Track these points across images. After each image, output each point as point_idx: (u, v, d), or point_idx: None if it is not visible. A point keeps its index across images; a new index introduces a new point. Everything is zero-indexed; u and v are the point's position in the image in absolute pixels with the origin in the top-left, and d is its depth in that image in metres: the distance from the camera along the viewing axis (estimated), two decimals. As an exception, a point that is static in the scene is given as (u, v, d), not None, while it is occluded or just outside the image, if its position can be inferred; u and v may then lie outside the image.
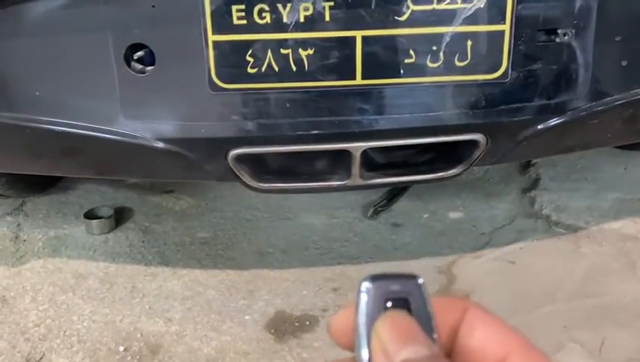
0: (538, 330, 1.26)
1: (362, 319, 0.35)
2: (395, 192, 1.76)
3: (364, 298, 0.36)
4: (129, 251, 1.57)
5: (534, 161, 1.90)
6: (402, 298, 0.36)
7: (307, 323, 1.31)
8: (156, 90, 0.90)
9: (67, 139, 0.93)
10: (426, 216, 1.68)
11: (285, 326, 1.30)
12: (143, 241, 1.61)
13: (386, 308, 0.35)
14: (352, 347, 0.36)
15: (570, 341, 1.22)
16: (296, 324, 1.31)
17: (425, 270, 1.46)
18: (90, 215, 1.68)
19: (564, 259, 1.48)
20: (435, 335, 0.35)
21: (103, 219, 1.65)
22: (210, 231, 1.65)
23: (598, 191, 1.72)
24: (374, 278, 0.37)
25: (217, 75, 0.88)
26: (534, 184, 1.79)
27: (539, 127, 0.93)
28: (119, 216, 1.71)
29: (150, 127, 0.92)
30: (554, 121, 0.93)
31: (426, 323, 0.35)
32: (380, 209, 1.68)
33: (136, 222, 1.70)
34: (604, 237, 1.55)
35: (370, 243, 1.57)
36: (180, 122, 0.91)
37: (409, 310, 0.35)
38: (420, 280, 0.36)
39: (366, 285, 0.36)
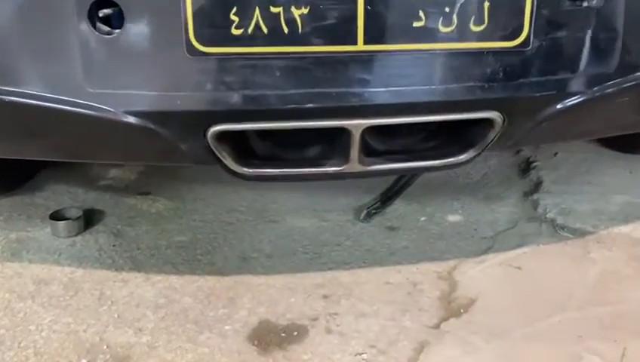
0: (551, 340, 1.14)
1: None
2: (390, 194, 1.64)
3: None
4: (98, 255, 1.43)
5: (534, 163, 1.80)
6: None
7: (295, 333, 1.18)
8: (125, 54, 0.78)
9: (20, 112, 0.80)
10: (422, 219, 1.56)
11: (270, 337, 1.17)
12: (113, 245, 1.47)
13: None
14: None
15: (587, 352, 1.10)
16: (283, 335, 1.17)
17: (424, 275, 1.33)
18: (56, 216, 1.53)
19: (573, 264, 1.37)
20: None
21: (70, 221, 1.51)
22: (188, 234, 1.51)
23: (604, 195, 1.62)
24: None
25: (196, 37, 0.76)
26: (536, 187, 1.69)
27: (562, 104, 0.82)
28: (89, 218, 1.56)
29: (117, 99, 0.79)
30: (579, 98, 0.82)
31: None
32: (373, 211, 1.56)
33: (107, 225, 1.55)
34: (614, 241, 1.44)
35: (363, 247, 1.45)
36: (152, 93, 0.79)
37: None
38: None
39: None
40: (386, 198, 1.62)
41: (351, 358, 1.11)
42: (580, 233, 1.47)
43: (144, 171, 1.85)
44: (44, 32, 0.77)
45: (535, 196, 1.64)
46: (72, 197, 1.69)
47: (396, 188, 1.68)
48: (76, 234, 1.51)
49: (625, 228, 1.48)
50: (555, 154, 1.86)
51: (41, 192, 1.71)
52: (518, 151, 1.90)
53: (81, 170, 1.84)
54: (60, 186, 1.74)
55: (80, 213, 1.54)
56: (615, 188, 1.65)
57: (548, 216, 1.54)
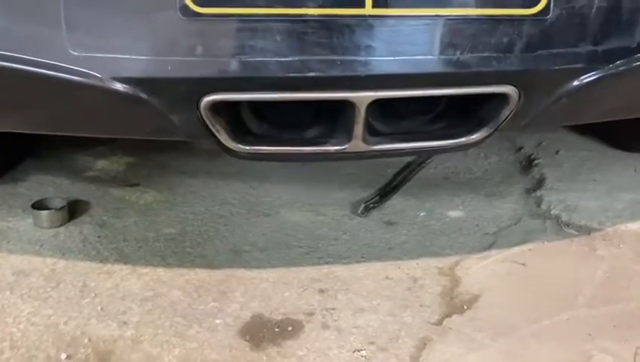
0: (560, 339, 1.08)
1: None
2: (388, 189, 1.58)
3: None
4: (82, 246, 1.36)
5: (536, 160, 1.75)
6: None
7: (289, 328, 1.11)
8: (112, 13, 0.71)
9: (-4, 77, 0.73)
10: (422, 214, 1.50)
11: (263, 332, 1.10)
12: (99, 236, 1.40)
13: None
14: None
15: (598, 351, 1.05)
16: (277, 330, 1.11)
17: (425, 271, 1.27)
18: (39, 206, 1.46)
19: (579, 261, 1.31)
20: None
21: (53, 211, 1.43)
22: (177, 226, 1.44)
23: (610, 192, 1.57)
24: None
25: (191, -3, 0.70)
26: (539, 184, 1.63)
27: (583, 79, 0.77)
28: (73, 209, 1.49)
29: (103, 63, 0.72)
30: (601, 73, 0.77)
31: None
32: (371, 206, 1.50)
33: (92, 216, 1.48)
34: (621, 239, 1.39)
35: (361, 241, 1.38)
36: (141, 57, 0.72)
37: None
38: None
39: None
40: (385, 193, 1.57)
41: (349, 355, 1.04)
42: (585, 230, 1.42)
43: (133, 163, 1.78)
44: (24, -12, 0.71)
45: (538, 193, 1.58)
46: (56, 187, 1.62)
47: (395, 182, 1.62)
48: (60, 225, 1.43)
49: (632, 226, 1.43)
50: (558, 151, 1.81)
51: (24, 182, 1.64)
52: (519, 149, 1.85)
53: (66, 160, 1.77)
54: (45, 176, 1.66)
55: (64, 203, 1.46)
56: (621, 186, 1.60)
57: (552, 212, 1.49)
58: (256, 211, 1.52)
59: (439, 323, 1.12)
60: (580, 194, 1.56)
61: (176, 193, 1.60)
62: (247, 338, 1.09)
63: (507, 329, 1.10)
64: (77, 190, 1.61)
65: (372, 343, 1.07)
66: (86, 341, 1.07)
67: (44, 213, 1.43)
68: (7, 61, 0.72)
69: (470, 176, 1.70)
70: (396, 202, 1.55)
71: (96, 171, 1.73)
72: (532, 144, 1.85)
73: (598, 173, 1.68)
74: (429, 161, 1.74)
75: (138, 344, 1.06)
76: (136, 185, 1.64)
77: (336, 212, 1.51)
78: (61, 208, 1.45)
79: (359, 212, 1.48)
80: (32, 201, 1.49)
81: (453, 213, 1.51)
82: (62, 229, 1.42)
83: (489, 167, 1.76)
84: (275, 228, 1.44)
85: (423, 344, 1.07)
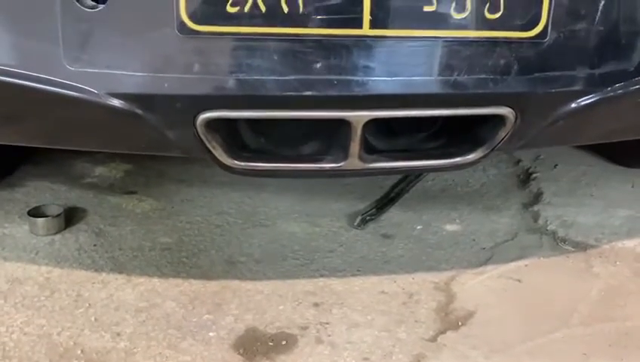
0: (555, 358, 1.08)
1: None
2: (385, 201, 1.58)
3: None
4: (77, 255, 1.35)
5: (534, 175, 1.75)
6: None
7: (283, 342, 1.11)
8: (110, 30, 0.71)
9: (-8, 90, 0.73)
10: (419, 227, 1.50)
11: (257, 346, 1.10)
12: (94, 245, 1.39)
13: None
14: None
15: (593, 371, 1.04)
16: (270, 344, 1.10)
17: (420, 286, 1.27)
18: (35, 213, 1.45)
19: (575, 278, 1.31)
20: None
21: (50, 218, 1.43)
22: (173, 236, 1.44)
23: (607, 208, 1.57)
24: None
25: (188, 14, 0.70)
26: (536, 199, 1.63)
27: (579, 102, 0.77)
28: (70, 217, 1.49)
29: (100, 79, 0.72)
30: (598, 96, 0.77)
31: None
32: (368, 218, 1.50)
33: (89, 224, 1.48)
34: (617, 256, 1.39)
35: (357, 254, 1.38)
36: (137, 73, 0.72)
37: None
38: None
39: None
40: (381, 205, 1.56)
41: (342, 371, 1.04)
42: (582, 246, 1.42)
43: (131, 170, 1.78)
44: (23, 3, 0.71)
45: (535, 207, 1.58)
46: (53, 194, 1.62)
47: (392, 195, 1.62)
48: (55, 233, 1.43)
49: (629, 243, 1.43)
50: (555, 166, 1.81)
51: (20, 188, 1.63)
52: (517, 162, 1.85)
53: (64, 166, 1.76)
54: (42, 183, 1.66)
55: (60, 211, 1.46)
56: (618, 202, 1.60)
57: (549, 228, 1.49)
58: (253, 221, 1.52)
59: (434, 339, 1.12)
60: (577, 210, 1.56)
61: (173, 202, 1.60)
62: (241, 351, 1.08)
63: (502, 346, 1.09)
64: (74, 197, 1.60)
65: (366, 359, 1.07)
66: (79, 352, 1.07)
67: (41, 220, 1.43)
68: (4, 75, 0.72)
69: (468, 189, 1.70)
70: (393, 214, 1.55)
71: (93, 178, 1.73)
72: (530, 158, 1.85)
73: (595, 189, 1.68)
74: (426, 173, 1.74)
75: (131, 356, 1.06)
76: (134, 193, 1.64)
77: (333, 223, 1.51)
78: (57, 215, 1.44)
79: (356, 224, 1.48)
80: (29, 208, 1.48)
81: (450, 227, 1.51)
82: (58, 237, 1.42)
83: (487, 180, 1.76)
84: (270, 238, 1.44)
85: (417, 361, 1.06)
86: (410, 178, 1.71)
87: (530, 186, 1.71)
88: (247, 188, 1.65)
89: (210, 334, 1.12)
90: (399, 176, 1.70)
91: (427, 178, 1.73)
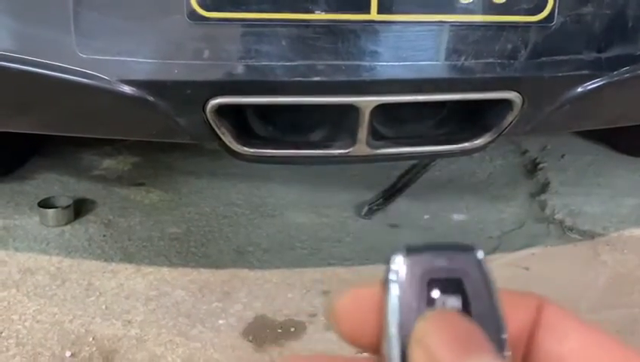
0: (562, 343, 1.08)
1: (395, 314, 0.24)
2: (392, 191, 1.59)
3: (397, 282, 0.24)
4: (87, 245, 1.37)
5: (541, 164, 1.75)
6: (453, 280, 0.25)
7: (292, 329, 1.12)
8: (121, 17, 0.72)
9: (4, 78, 0.74)
10: (426, 217, 1.51)
11: (266, 333, 1.11)
12: (104, 235, 1.41)
13: (431, 299, 0.24)
14: (371, 347, 0.25)
15: (600, 356, 1.05)
16: (279, 331, 1.11)
17: (428, 274, 1.28)
18: (45, 204, 1.47)
19: (583, 266, 1.32)
20: (505, 336, 0.24)
21: (59, 209, 1.45)
22: (182, 226, 1.45)
23: (614, 197, 1.57)
24: (412, 251, 0.25)
25: (198, 1, 0.70)
26: (543, 188, 1.63)
27: (586, 86, 0.77)
28: (79, 208, 1.50)
29: (111, 66, 0.73)
30: (605, 80, 0.77)
31: (491, 320, 0.24)
32: (375, 208, 1.51)
33: (98, 215, 1.49)
34: (625, 244, 1.39)
35: (364, 244, 1.39)
36: (148, 60, 0.73)
37: (464, 299, 0.24)
38: (480, 254, 0.25)
39: (400, 262, 0.25)
40: (389, 195, 1.57)
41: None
42: (589, 235, 1.42)
43: (138, 163, 1.79)
44: (34, -9, 0.72)
45: (542, 197, 1.58)
46: (62, 186, 1.63)
47: (399, 184, 1.63)
48: (65, 224, 1.45)
49: (636, 231, 1.43)
50: (562, 155, 1.81)
51: (30, 180, 1.65)
52: (524, 152, 1.85)
53: (72, 159, 1.78)
54: (51, 175, 1.68)
55: (70, 202, 1.48)
56: (625, 191, 1.60)
57: (556, 217, 1.49)
58: (261, 212, 1.53)
59: (441, 326, 1.12)
60: (584, 199, 1.56)
61: (181, 193, 1.61)
62: (250, 338, 1.09)
63: (509, 333, 1.10)
64: (83, 189, 1.62)
65: (374, 345, 1.07)
66: (90, 339, 1.08)
67: (51, 211, 1.44)
68: (17, 63, 0.73)
69: (474, 179, 1.71)
70: (400, 204, 1.56)
71: (102, 170, 1.74)
72: (537, 148, 1.85)
73: (602, 178, 1.68)
74: (433, 163, 1.74)
75: (142, 343, 1.07)
76: (142, 184, 1.65)
77: (340, 213, 1.51)
78: (67, 207, 1.46)
79: (363, 214, 1.49)
80: (39, 199, 1.50)
81: (457, 216, 1.51)
82: (67, 228, 1.43)
83: (494, 170, 1.76)
84: (278, 229, 1.45)
85: (425, 347, 1.07)
86: (417, 168, 1.71)
87: (537, 176, 1.71)
88: (254, 180, 1.66)
89: (220, 322, 1.13)
90: (406, 166, 1.71)
91: (434, 168, 1.74)
